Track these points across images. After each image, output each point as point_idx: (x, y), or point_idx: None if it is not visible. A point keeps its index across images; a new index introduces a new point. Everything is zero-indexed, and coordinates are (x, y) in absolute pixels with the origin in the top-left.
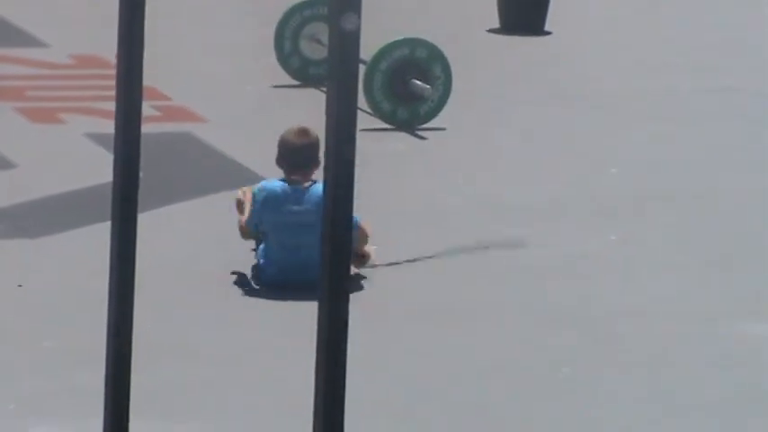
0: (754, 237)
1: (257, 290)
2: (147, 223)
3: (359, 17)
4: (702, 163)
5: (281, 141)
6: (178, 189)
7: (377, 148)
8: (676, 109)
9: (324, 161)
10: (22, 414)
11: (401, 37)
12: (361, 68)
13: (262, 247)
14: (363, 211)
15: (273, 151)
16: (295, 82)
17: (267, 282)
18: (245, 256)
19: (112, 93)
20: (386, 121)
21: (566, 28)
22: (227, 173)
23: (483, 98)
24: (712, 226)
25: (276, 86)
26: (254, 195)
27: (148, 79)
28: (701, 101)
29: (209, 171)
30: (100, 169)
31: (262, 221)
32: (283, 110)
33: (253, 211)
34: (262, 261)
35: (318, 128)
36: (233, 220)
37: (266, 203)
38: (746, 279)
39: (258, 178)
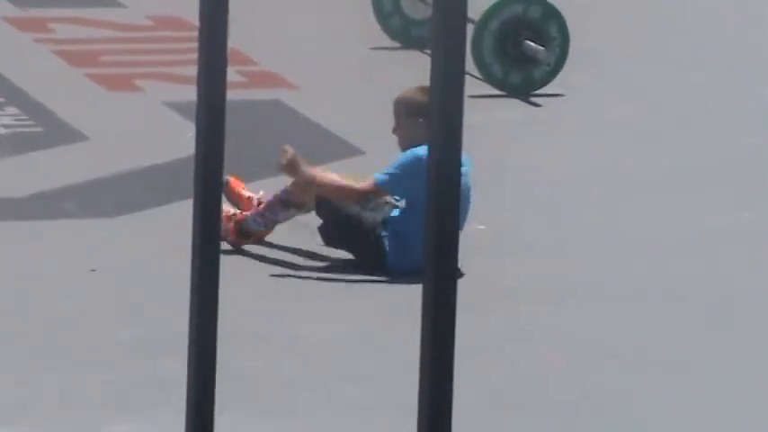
0: None
1: (360, 277)
2: None
3: None
4: None
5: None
6: (266, 162)
7: (487, 116)
8: None
9: (429, 133)
10: (97, 409)
11: None
12: (469, 28)
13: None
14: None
15: (371, 120)
16: (395, 44)
17: (401, 265)
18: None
19: (194, 57)
20: (496, 87)
21: None
22: (320, 145)
23: (602, 61)
24: None
25: (375, 48)
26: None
27: (233, 42)
28: None
29: (300, 143)
30: (181, 141)
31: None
32: (383, 75)
33: (400, 177)
34: (395, 241)
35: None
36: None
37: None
38: None
39: (355, 150)
